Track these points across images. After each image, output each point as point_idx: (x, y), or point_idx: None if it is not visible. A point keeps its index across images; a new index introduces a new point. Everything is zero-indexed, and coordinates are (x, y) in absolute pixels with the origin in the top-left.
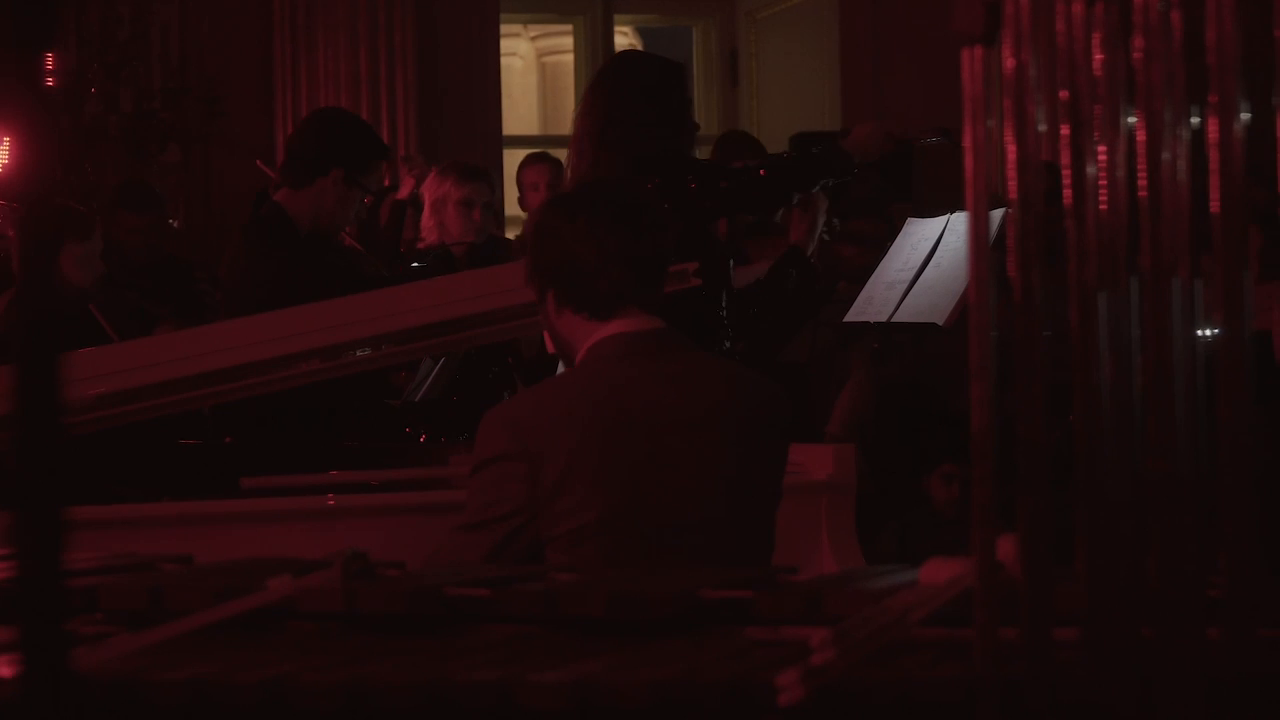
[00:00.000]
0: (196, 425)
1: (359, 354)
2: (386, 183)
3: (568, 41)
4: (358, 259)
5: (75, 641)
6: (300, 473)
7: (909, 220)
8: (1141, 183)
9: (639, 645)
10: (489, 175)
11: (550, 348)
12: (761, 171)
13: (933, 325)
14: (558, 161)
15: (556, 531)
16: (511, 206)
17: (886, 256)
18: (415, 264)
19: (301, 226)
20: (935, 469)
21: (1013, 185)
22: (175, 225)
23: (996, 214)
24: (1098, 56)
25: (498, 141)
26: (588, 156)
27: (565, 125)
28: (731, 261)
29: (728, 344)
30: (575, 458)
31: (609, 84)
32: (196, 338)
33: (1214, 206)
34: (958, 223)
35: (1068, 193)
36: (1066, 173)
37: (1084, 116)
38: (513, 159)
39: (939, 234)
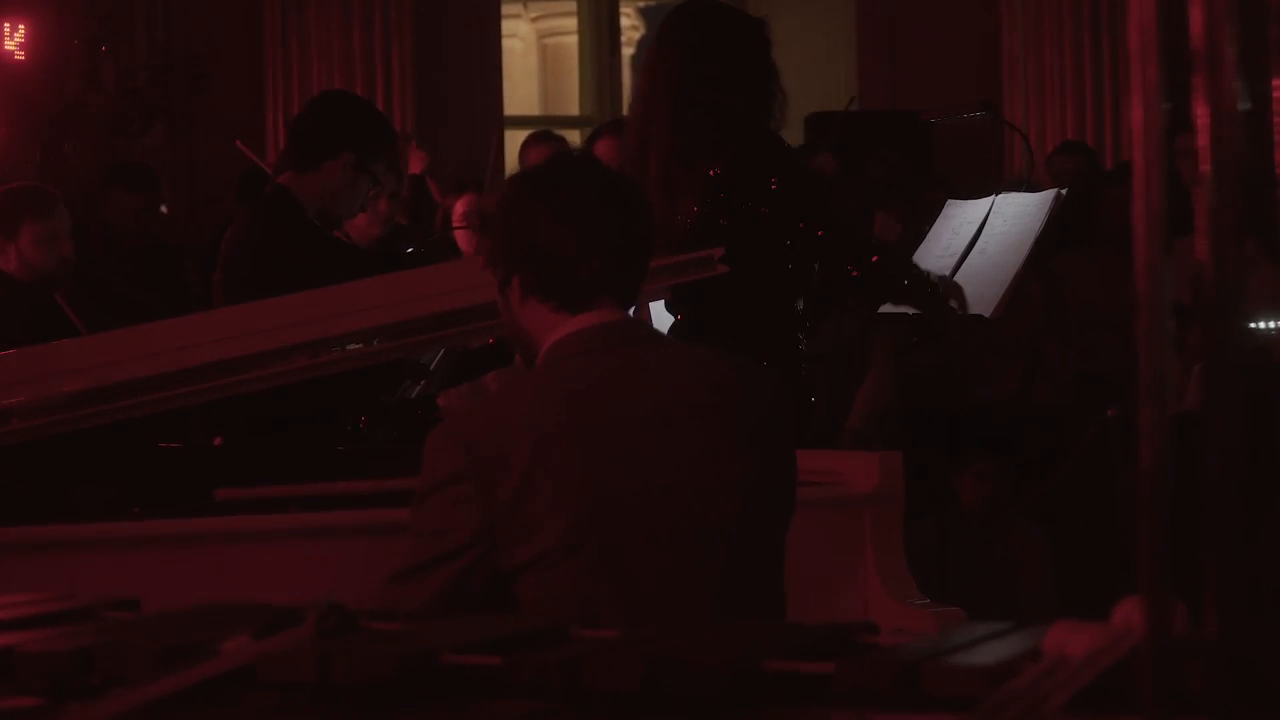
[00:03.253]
0: (179, 425)
1: (350, 349)
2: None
3: (569, 23)
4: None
5: None
6: (285, 480)
7: (949, 203)
8: None
9: None
10: (398, 162)
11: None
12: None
13: (979, 317)
14: (562, 140)
15: (518, 559)
16: None
17: (925, 242)
18: (410, 249)
19: (308, 211)
20: (965, 465)
21: (1204, 150)
22: (164, 210)
23: (1036, 198)
24: None
25: (499, 122)
26: (663, 117)
27: (567, 106)
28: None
29: (801, 342)
30: (532, 467)
31: (690, 35)
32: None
33: None
34: (1004, 205)
35: None
36: None
37: None
38: (513, 140)
39: (983, 217)
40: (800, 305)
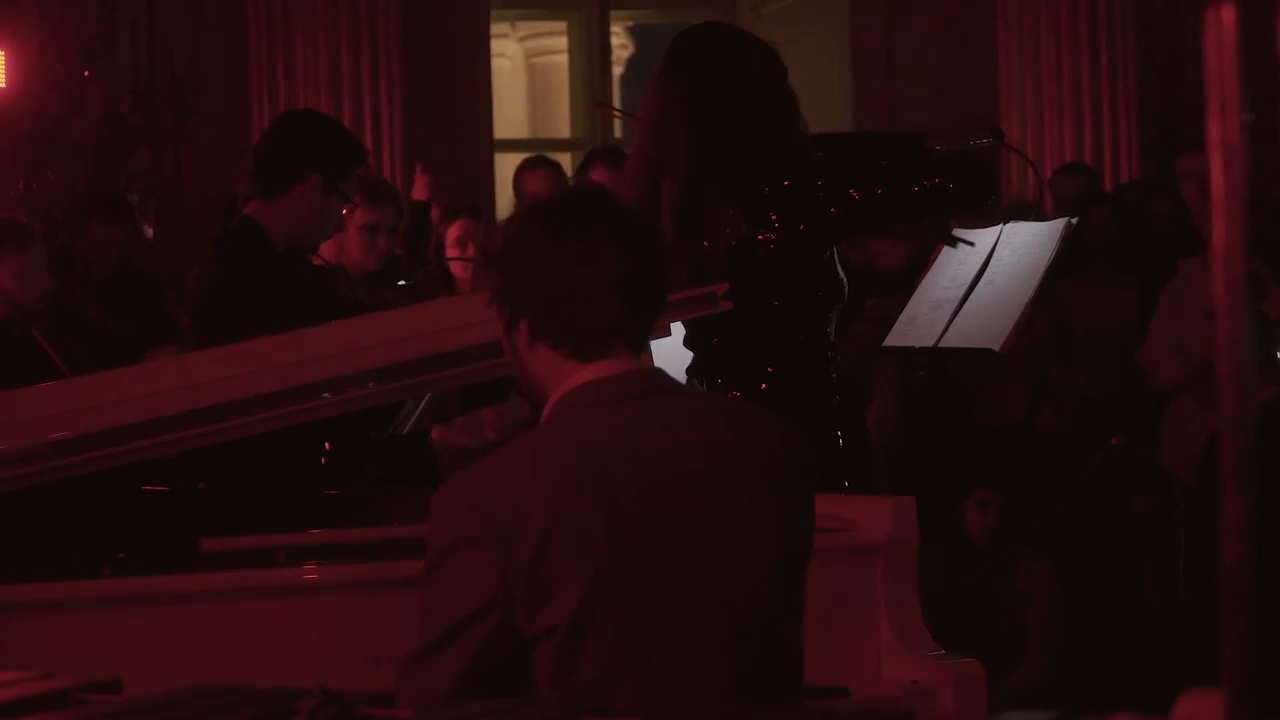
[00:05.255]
0: (161, 468)
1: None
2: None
3: (558, 42)
4: (331, 278)
5: None
6: (273, 526)
7: (955, 231)
8: None
9: None
10: (397, 197)
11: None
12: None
13: (987, 351)
14: (558, 165)
15: (537, 625)
16: (505, 212)
17: (930, 272)
18: (401, 282)
19: (277, 241)
20: (968, 494)
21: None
22: (149, 233)
23: (1046, 227)
24: None
25: (489, 145)
26: (680, 144)
27: (557, 127)
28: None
29: (833, 372)
30: (550, 528)
31: (698, 58)
32: (156, 373)
33: None
34: (1012, 234)
35: None
36: None
37: None
38: (501, 163)
39: (991, 247)
40: (831, 330)
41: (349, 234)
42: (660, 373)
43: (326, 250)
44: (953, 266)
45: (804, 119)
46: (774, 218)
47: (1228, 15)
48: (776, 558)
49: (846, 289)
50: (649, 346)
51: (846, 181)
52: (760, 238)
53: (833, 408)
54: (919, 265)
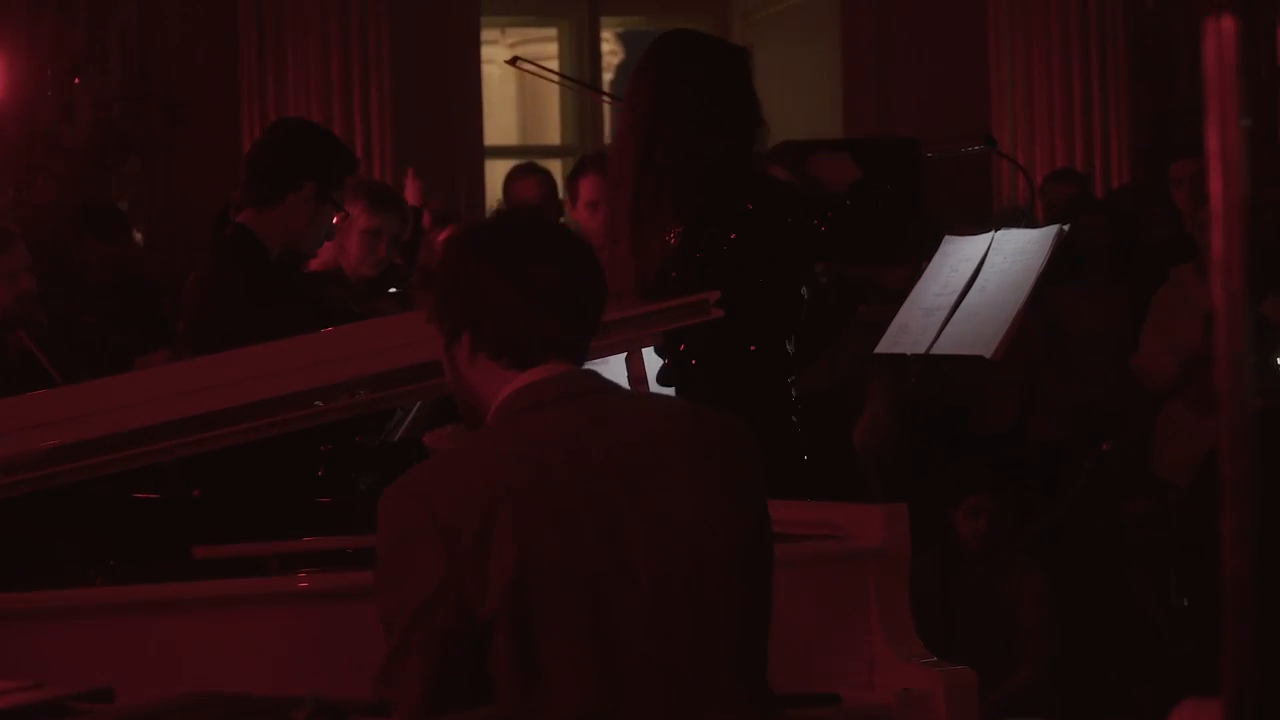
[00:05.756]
0: (155, 476)
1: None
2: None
3: (548, 49)
4: (325, 285)
5: None
6: (266, 533)
7: (947, 239)
8: None
9: None
10: (402, 204)
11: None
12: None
13: (979, 358)
14: (548, 172)
15: (484, 612)
16: None
17: (922, 279)
18: (393, 290)
19: (271, 248)
20: (960, 501)
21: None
22: (139, 239)
23: (1038, 234)
24: None
25: (479, 151)
26: (633, 157)
27: (546, 134)
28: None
29: (792, 387)
30: (492, 521)
31: (663, 69)
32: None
33: None
34: (1003, 241)
35: None
36: None
37: None
38: (492, 169)
39: (982, 254)
40: (790, 347)
41: (350, 237)
42: (595, 374)
43: (325, 252)
44: (944, 273)
45: (763, 121)
46: (714, 231)
47: (1227, 25)
48: (728, 547)
49: (805, 307)
50: (640, 354)
51: (785, 208)
52: (699, 254)
53: (792, 425)
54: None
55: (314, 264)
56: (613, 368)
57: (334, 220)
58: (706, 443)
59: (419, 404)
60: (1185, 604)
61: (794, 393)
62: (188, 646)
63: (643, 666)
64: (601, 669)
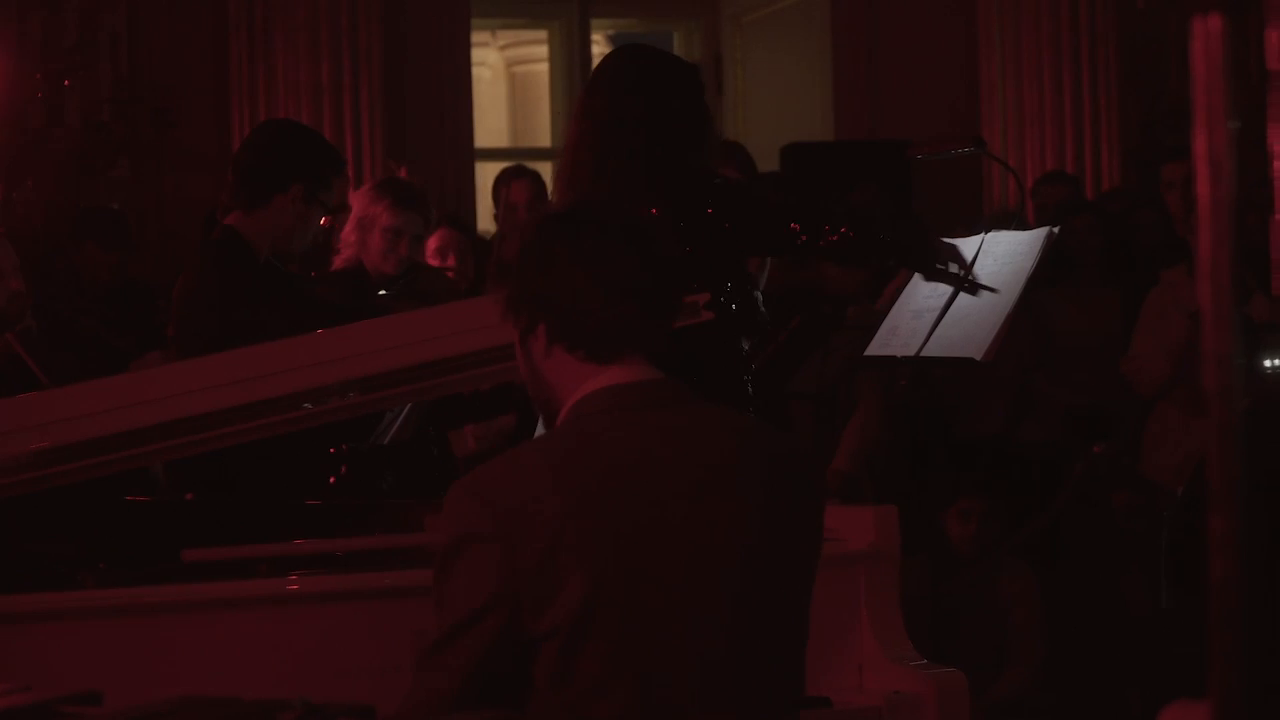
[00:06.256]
0: (145, 479)
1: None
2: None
3: (538, 50)
4: (310, 284)
5: None
6: (256, 537)
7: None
8: None
9: None
10: (426, 204)
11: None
12: (848, 232)
13: (969, 360)
14: (538, 174)
15: (542, 626)
16: (485, 220)
17: (912, 282)
18: (382, 291)
19: (259, 250)
20: (951, 504)
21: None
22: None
23: (1028, 236)
24: None
25: (469, 153)
26: (587, 167)
27: (538, 138)
28: (760, 295)
29: (749, 384)
30: (560, 531)
31: (615, 81)
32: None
33: None
34: (993, 244)
35: None
36: None
37: None
38: (482, 172)
39: (973, 256)
40: (745, 346)
41: (374, 234)
42: (675, 383)
43: (347, 245)
44: None
45: (715, 134)
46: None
47: (1214, 25)
48: (779, 571)
49: (764, 314)
50: None
51: (735, 210)
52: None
53: (743, 384)
54: (874, 290)
55: (337, 261)
56: None
57: (322, 222)
58: (766, 465)
59: (409, 406)
60: (1168, 604)
61: (751, 390)
62: (177, 649)
63: (679, 688)
64: (641, 687)
